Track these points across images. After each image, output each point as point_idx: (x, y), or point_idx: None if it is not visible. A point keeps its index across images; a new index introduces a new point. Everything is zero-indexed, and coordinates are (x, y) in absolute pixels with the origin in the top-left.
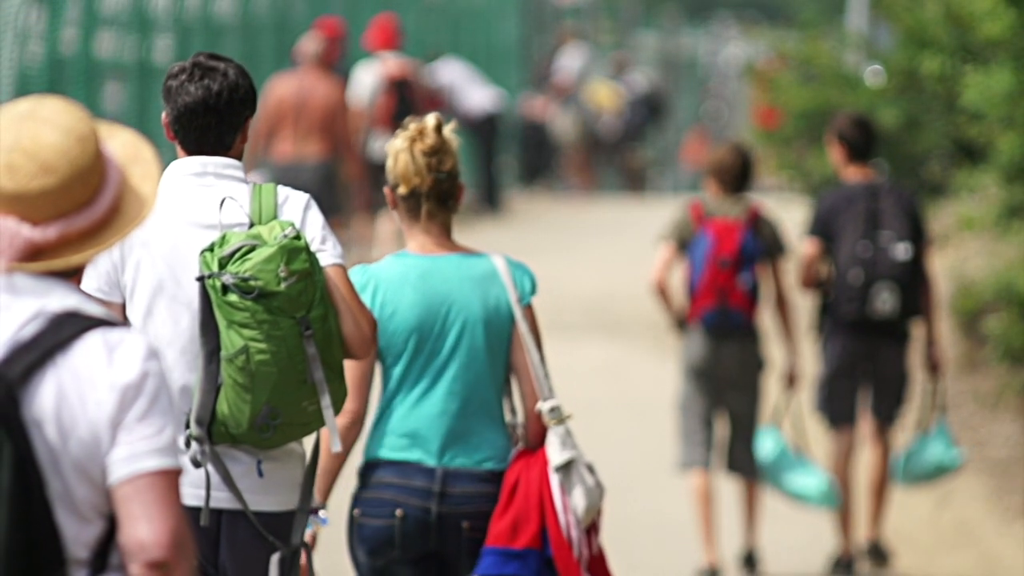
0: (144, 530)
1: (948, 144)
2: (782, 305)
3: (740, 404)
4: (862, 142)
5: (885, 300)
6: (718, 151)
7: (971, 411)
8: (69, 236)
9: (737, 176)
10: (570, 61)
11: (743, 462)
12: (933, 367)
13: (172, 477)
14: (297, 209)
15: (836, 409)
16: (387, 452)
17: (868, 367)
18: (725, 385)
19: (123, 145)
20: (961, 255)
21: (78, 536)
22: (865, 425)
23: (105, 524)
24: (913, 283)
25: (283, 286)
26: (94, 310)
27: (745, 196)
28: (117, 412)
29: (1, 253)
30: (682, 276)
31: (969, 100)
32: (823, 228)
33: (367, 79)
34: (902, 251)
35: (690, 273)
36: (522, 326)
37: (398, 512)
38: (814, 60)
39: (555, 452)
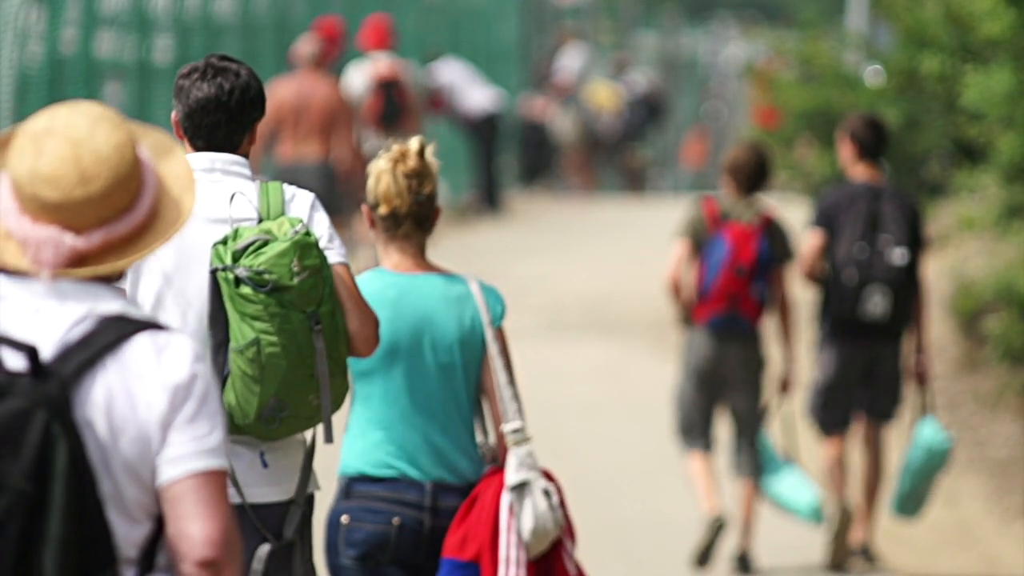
0: (195, 529)
1: (948, 144)
2: (784, 310)
3: (743, 403)
4: (873, 142)
5: (877, 303)
6: (734, 149)
7: (971, 411)
8: (112, 242)
9: (752, 175)
10: (570, 61)
11: (747, 461)
12: (920, 377)
13: (221, 477)
14: (303, 208)
15: (830, 417)
16: (372, 469)
17: (864, 370)
18: (727, 384)
19: (155, 146)
20: (961, 255)
21: (128, 536)
22: (860, 426)
23: (153, 525)
24: (907, 288)
25: (296, 281)
26: (140, 313)
27: (759, 198)
28: (167, 413)
29: (46, 262)
30: (693, 276)
31: (969, 100)
32: (826, 221)
33: (358, 79)
34: (898, 256)
35: (703, 275)
36: (492, 348)
37: (395, 520)
38: (814, 60)
39: (511, 472)
